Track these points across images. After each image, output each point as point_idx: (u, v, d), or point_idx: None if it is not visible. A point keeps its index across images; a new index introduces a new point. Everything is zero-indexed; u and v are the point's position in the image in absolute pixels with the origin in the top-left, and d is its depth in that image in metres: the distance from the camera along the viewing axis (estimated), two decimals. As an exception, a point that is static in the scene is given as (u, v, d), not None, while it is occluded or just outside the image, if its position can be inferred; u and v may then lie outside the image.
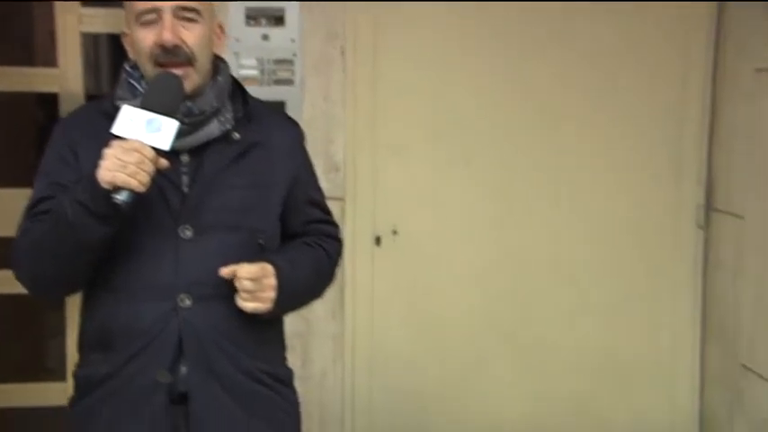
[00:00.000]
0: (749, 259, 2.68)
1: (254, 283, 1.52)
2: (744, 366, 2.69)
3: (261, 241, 1.59)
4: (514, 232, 3.09)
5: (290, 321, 3.02)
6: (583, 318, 3.09)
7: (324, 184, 3.03)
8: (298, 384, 3.04)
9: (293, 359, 3.05)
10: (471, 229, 3.10)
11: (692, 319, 3.09)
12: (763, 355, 2.56)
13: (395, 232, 3.08)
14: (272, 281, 1.54)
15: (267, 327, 1.64)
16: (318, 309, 3.07)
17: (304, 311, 3.04)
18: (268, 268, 1.54)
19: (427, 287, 3.09)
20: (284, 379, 1.71)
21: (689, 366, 3.09)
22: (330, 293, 3.06)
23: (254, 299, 1.53)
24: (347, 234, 3.07)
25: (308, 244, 1.69)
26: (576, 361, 3.09)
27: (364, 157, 3.07)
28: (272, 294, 1.54)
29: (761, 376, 2.54)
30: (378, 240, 3.08)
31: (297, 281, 1.60)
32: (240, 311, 1.53)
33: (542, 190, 3.08)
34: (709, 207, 3.03)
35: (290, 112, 3.00)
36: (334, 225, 1.79)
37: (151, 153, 1.41)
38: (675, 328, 3.09)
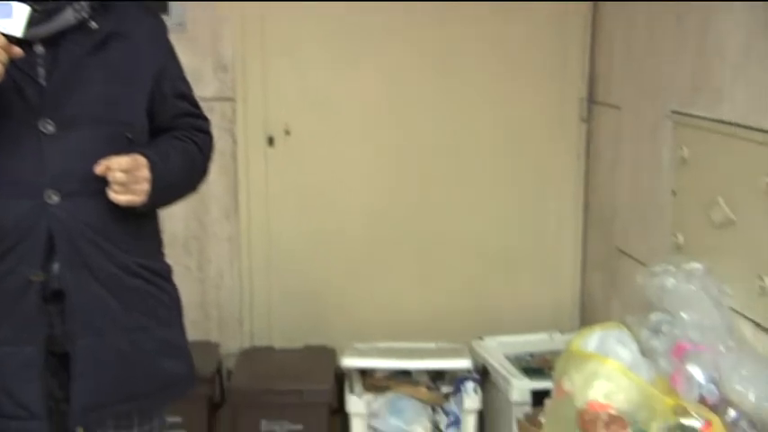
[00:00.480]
0: (624, 149, 2.79)
1: (127, 176, 1.49)
2: (619, 250, 2.83)
3: (129, 135, 1.56)
4: (406, 131, 3.12)
5: (184, 224, 3.05)
6: (473, 209, 3.17)
7: (212, 84, 3.03)
8: (194, 286, 3.09)
9: (188, 261, 3.09)
10: (364, 128, 3.11)
11: (575, 208, 3.21)
12: (635, 239, 2.70)
13: (287, 132, 3.07)
14: (144, 173, 1.52)
15: (141, 221, 1.62)
16: (213, 210, 3.07)
17: (198, 213, 3.05)
18: (140, 160, 1.52)
19: (322, 186, 3.11)
20: (162, 273, 1.70)
21: (571, 252, 3.24)
22: (224, 195, 3.08)
23: (127, 191, 1.51)
24: (239, 135, 3.05)
25: (178, 138, 1.67)
26: (467, 251, 3.19)
27: (254, 57, 3.02)
28: (145, 187, 1.53)
29: (633, 258, 2.68)
30: (270, 141, 3.07)
31: (170, 173, 1.59)
32: (113, 206, 1.51)
33: (434, 87, 3.10)
34: (590, 100, 3.12)
35: (173, 8, 2.91)
36: (204, 119, 1.76)
37: (2, 40, 1.35)
38: (560, 216, 3.22)
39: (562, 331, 3.11)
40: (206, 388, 2.77)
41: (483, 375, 2.85)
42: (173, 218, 3.02)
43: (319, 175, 3.10)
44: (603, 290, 3.04)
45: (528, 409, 2.63)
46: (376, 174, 3.11)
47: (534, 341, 3.05)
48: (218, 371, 2.92)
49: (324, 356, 2.92)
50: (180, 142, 1.66)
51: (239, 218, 3.08)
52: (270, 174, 3.08)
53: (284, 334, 3.13)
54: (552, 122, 3.16)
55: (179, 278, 3.01)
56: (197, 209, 3.03)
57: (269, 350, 3.03)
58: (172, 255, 2.99)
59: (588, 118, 3.14)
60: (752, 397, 1.78)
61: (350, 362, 2.74)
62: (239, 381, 2.77)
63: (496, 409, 2.81)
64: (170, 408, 2.64)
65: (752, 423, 1.81)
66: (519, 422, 2.60)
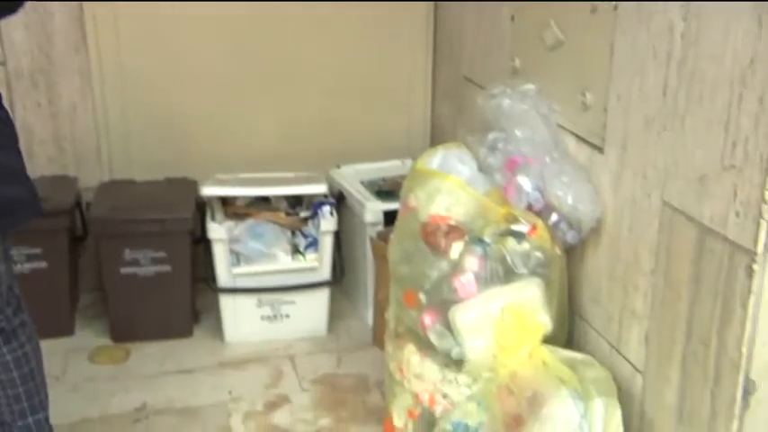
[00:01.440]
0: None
1: None
2: (465, 77, 2.93)
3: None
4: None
5: (29, 57, 2.89)
6: (328, 43, 3.16)
7: None
8: (47, 121, 2.98)
9: (38, 97, 2.96)
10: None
11: (425, 40, 3.26)
12: (479, 66, 2.79)
13: (136, -41, 2.91)
14: None
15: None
16: (59, 44, 2.92)
17: (43, 46, 2.89)
18: None
19: (175, 17, 2.99)
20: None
21: (422, 82, 3.32)
22: (69, 27, 2.92)
23: None
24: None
25: None
26: (323, 83, 3.20)
27: None
28: None
29: (476, 84, 2.78)
30: (117, -31, 2.90)
31: None
32: None
33: None
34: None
35: None
36: None
37: None
38: (411, 48, 3.26)
39: (414, 157, 3.23)
40: (65, 220, 2.74)
41: (339, 200, 2.95)
42: (15, 51, 2.87)
43: (173, 6, 2.97)
44: (451, 117, 3.16)
45: (381, 228, 2.77)
46: (233, 4, 3.02)
47: (387, 167, 3.17)
48: (78, 204, 2.88)
49: (185, 187, 2.93)
50: None
51: (88, 50, 2.94)
52: (119, 4, 2.93)
53: (144, 167, 3.10)
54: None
55: (30, 113, 2.94)
56: (41, 42, 2.87)
57: (129, 183, 3.00)
58: (19, 89, 2.92)
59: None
60: (570, 200, 1.95)
61: (210, 191, 2.76)
62: (99, 211, 2.75)
63: (352, 230, 2.94)
64: (30, 239, 2.66)
65: (569, 224, 2.00)
66: (372, 240, 2.75)
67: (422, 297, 2.06)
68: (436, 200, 2.10)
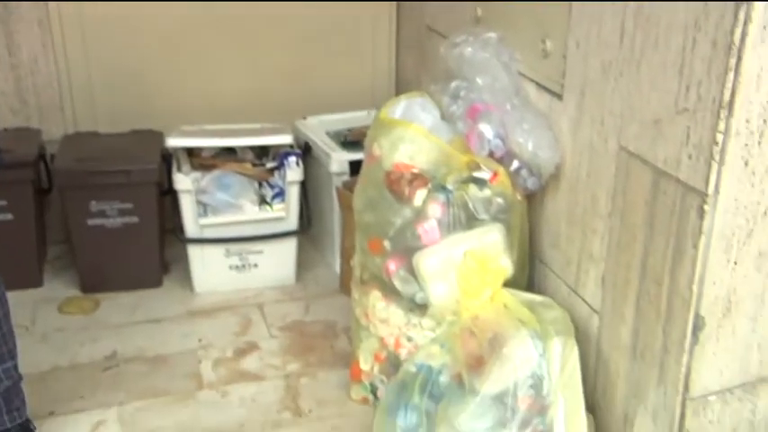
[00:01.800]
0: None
1: None
2: (428, 27, 2.92)
3: None
4: None
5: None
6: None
7: None
8: (7, 73, 2.92)
9: (-2, 48, 2.90)
10: None
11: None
12: (442, 15, 2.78)
13: None
14: None
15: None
16: (18, -7, 2.85)
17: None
18: None
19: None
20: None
21: (386, 34, 3.29)
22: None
23: None
24: None
25: None
26: (288, 35, 3.17)
27: None
28: None
29: (440, 34, 2.77)
30: None
31: None
32: None
33: None
34: None
35: None
36: None
37: None
38: (377, 1, 3.24)
39: (378, 108, 3.23)
40: (29, 172, 2.71)
41: (305, 151, 2.95)
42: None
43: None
44: (415, 67, 3.15)
45: (346, 177, 2.78)
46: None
47: (353, 118, 3.16)
48: (42, 156, 2.84)
49: (150, 139, 2.89)
50: None
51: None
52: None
53: (109, 120, 3.06)
54: None
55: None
56: (-2, -9, 2.81)
57: (94, 135, 2.96)
58: (-24, 40, 2.85)
59: None
60: (530, 147, 1.97)
61: (175, 141, 2.74)
62: (64, 163, 2.72)
63: (319, 180, 2.94)
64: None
65: (530, 170, 2.02)
66: (337, 189, 2.75)
67: (386, 244, 2.08)
68: (399, 148, 2.11)
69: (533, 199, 2.15)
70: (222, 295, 2.81)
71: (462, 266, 1.95)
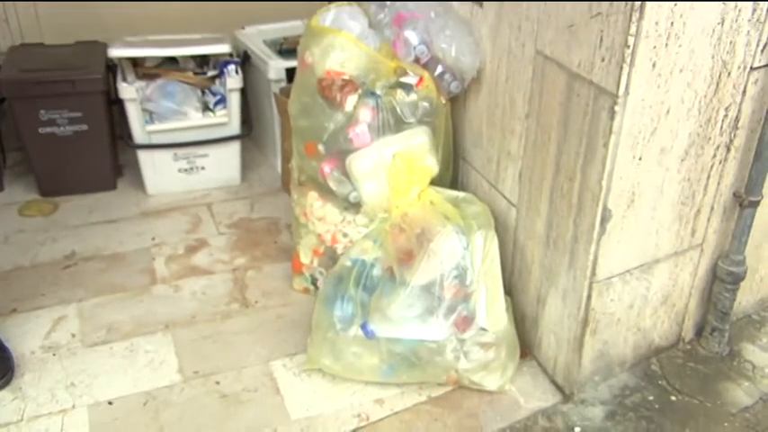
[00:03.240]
0: None
1: None
2: None
3: None
4: None
5: None
6: None
7: None
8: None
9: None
10: None
11: None
12: None
13: None
14: None
15: None
16: None
17: None
18: None
19: None
20: None
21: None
22: None
23: None
24: None
25: None
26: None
27: None
28: None
29: None
30: None
31: None
32: None
33: None
34: None
35: None
36: None
37: None
38: None
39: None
40: (-25, 84, 2.42)
41: (245, 60, 2.70)
42: None
43: None
44: None
45: (284, 84, 2.55)
46: None
47: (289, 27, 2.89)
48: (-12, 68, 2.54)
49: (95, 50, 2.59)
50: None
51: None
52: None
53: (54, 32, 2.74)
54: None
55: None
56: None
57: (39, 46, 2.65)
58: None
59: None
60: (453, 53, 1.79)
61: (117, 52, 2.46)
62: (10, 73, 2.42)
63: (258, 87, 2.71)
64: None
65: (452, 74, 1.85)
66: (275, 95, 2.53)
67: (320, 148, 1.91)
68: (330, 56, 1.90)
69: (456, 101, 1.98)
70: (173, 196, 2.62)
71: (391, 167, 1.80)
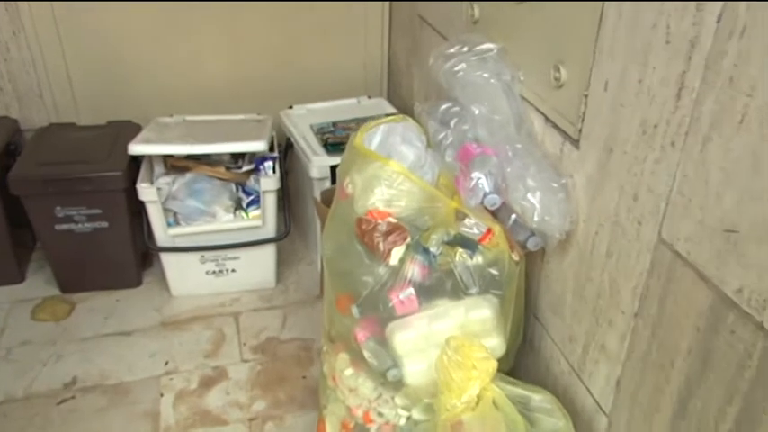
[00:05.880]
0: None
1: None
2: (420, 17, 2.08)
3: None
4: None
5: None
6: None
7: None
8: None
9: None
10: None
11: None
12: (434, 7, 1.94)
13: None
14: None
15: None
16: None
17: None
18: None
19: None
20: None
21: (379, 18, 2.45)
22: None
23: None
24: None
25: None
26: (279, 20, 2.34)
27: None
28: None
29: (432, 27, 1.95)
30: None
31: None
32: None
33: None
34: None
35: None
36: None
37: None
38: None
39: (370, 95, 2.44)
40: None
41: (288, 147, 2.18)
42: None
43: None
44: (406, 55, 2.32)
45: (327, 184, 2.02)
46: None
47: (342, 106, 2.36)
48: (11, 146, 2.09)
49: (126, 133, 2.10)
50: None
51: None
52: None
53: (90, 106, 2.30)
54: None
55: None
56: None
57: (68, 128, 2.20)
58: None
59: None
60: (536, 216, 1.20)
61: (138, 149, 1.95)
62: (24, 168, 1.96)
63: (302, 177, 2.18)
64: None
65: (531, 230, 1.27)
66: (314, 201, 2.00)
67: (354, 311, 1.35)
68: (375, 191, 1.34)
69: (534, 252, 1.39)
70: (199, 300, 2.12)
71: (442, 358, 1.23)
